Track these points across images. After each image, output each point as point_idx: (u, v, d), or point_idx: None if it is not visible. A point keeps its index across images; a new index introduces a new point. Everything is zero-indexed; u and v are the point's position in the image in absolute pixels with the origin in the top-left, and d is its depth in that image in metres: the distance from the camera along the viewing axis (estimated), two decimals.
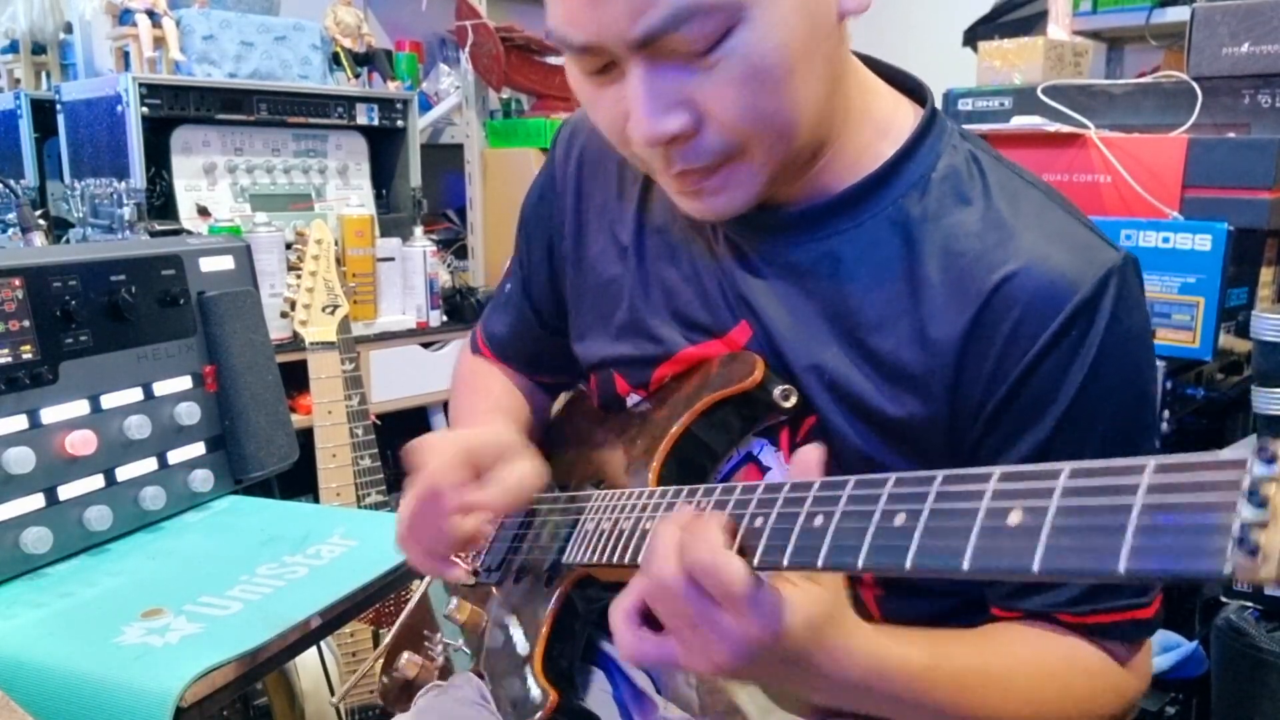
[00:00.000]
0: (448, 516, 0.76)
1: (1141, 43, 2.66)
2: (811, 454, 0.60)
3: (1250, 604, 1.29)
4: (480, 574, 0.90)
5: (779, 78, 0.64)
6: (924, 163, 0.74)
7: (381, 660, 1.28)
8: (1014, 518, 0.44)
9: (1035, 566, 0.42)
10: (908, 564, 0.48)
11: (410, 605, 1.05)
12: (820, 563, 0.52)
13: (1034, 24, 2.64)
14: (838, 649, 0.58)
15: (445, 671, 0.97)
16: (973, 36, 2.77)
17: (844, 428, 0.73)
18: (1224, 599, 1.31)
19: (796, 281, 0.75)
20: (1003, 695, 0.67)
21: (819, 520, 0.53)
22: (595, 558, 0.75)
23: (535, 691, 0.80)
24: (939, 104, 0.82)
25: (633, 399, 0.86)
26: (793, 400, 0.74)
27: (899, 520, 0.49)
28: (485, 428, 0.85)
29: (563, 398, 1.04)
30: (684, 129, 0.65)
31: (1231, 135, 1.53)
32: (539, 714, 0.79)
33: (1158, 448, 0.74)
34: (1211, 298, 1.42)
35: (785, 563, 0.54)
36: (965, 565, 0.45)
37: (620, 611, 0.61)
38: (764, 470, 0.80)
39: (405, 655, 0.99)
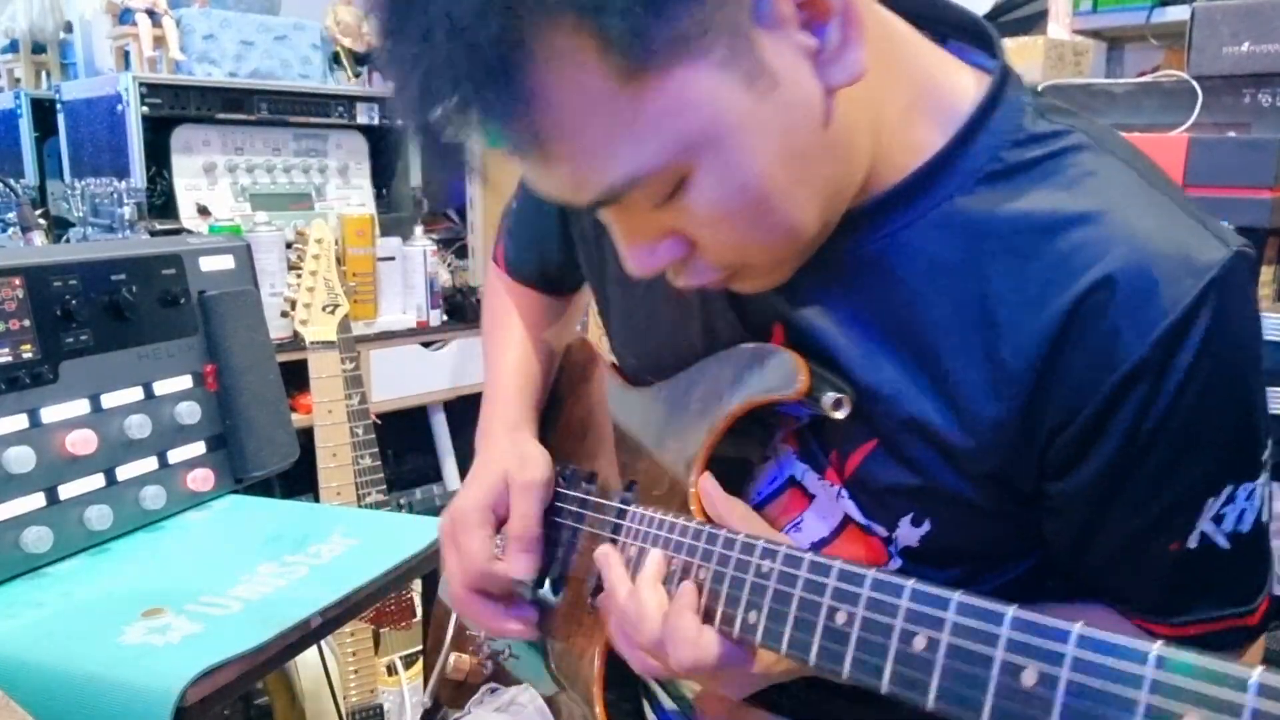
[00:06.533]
0: (496, 579, 0.82)
1: (1142, 42, 2.65)
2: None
3: None
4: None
5: (759, 205, 0.57)
6: (987, 146, 0.62)
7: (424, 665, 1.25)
8: (1028, 678, 0.44)
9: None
10: (929, 704, 0.48)
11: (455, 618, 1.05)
12: (812, 661, 0.54)
13: (1034, 23, 2.64)
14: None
15: (499, 672, 0.96)
16: None
17: (915, 453, 0.64)
18: None
19: (841, 285, 0.66)
20: None
21: (840, 618, 0.54)
22: None
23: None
24: None
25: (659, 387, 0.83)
26: (844, 411, 0.65)
27: (917, 645, 0.49)
28: (482, 471, 0.86)
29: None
30: (675, 257, 0.61)
31: (1232, 135, 1.53)
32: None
33: (1266, 468, 0.63)
34: None
35: (784, 649, 0.57)
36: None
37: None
38: (809, 497, 0.72)
39: (454, 657, 0.99)
